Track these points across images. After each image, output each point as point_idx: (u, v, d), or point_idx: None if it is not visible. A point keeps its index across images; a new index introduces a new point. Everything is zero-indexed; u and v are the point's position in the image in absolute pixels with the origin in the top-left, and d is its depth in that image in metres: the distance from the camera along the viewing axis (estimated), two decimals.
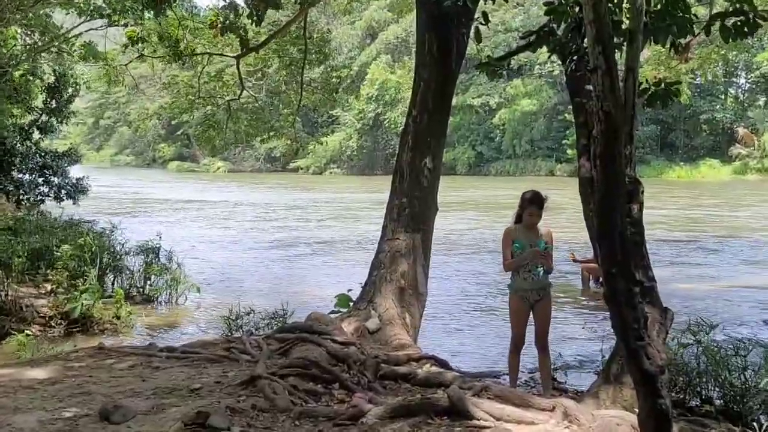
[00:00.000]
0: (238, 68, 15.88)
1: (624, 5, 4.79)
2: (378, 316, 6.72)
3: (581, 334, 8.78)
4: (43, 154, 19.64)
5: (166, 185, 48.70)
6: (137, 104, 70.57)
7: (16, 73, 18.01)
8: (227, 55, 16.47)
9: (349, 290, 7.80)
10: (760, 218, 23.77)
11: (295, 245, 18.20)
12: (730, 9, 4.83)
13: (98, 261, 10.24)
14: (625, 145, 3.35)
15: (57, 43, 17.32)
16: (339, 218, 25.34)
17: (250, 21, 10.41)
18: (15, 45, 17.88)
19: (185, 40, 14.82)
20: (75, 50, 17.72)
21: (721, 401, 5.42)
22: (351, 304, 7.28)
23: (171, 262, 11.23)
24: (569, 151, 52.24)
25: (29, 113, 19.99)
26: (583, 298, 11.49)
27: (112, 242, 11.69)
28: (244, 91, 17.10)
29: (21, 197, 19.01)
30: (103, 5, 14.89)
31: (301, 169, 66.48)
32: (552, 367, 6.49)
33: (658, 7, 4.64)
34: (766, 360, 5.45)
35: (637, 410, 3.54)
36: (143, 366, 5.44)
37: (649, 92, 4.64)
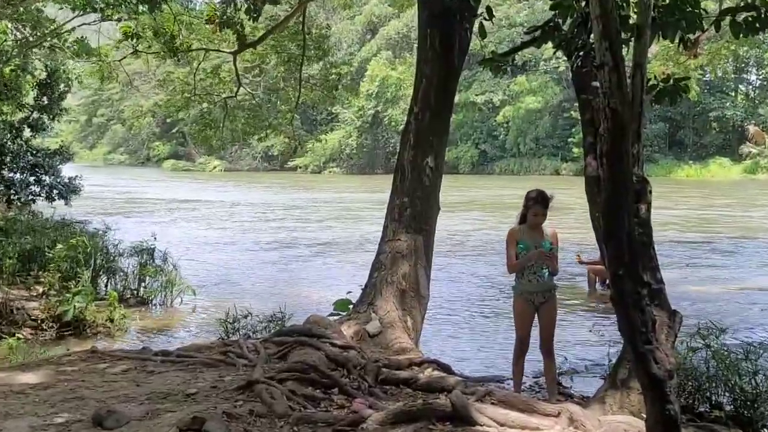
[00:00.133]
0: (234, 65, 15.89)
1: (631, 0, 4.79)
2: (378, 319, 6.72)
3: (587, 337, 8.77)
4: (34, 152, 19.66)
5: (161, 185, 48.72)
6: (131, 101, 70.57)
7: (7, 69, 18.01)
8: (224, 51, 16.48)
9: (349, 293, 7.80)
10: None
11: (295, 246, 18.20)
12: (741, 4, 4.82)
13: (92, 262, 10.24)
14: (632, 143, 3.35)
15: (49, 39, 17.31)
16: (339, 219, 25.35)
17: (247, 16, 10.42)
18: (5, 40, 17.89)
19: (181, 36, 14.81)
20: (68, 46, 17.71)
21: (732, 407, 5.42)
22: (350, 307, 7.28)
23: (166, 263, 11.23)
24: (575, 150, 52.21)
25: (20, 110, 19.99)
26: (590, 301, 11.48)
27: (106, 243, 11.68)
28: (242, 89, 17.11)
29: (12, 197, 19.01)
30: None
31: (300, 168, 66.50)
32: (557, 371, 6.49)
33: (667, 1, 4.63)
34: None
35: (644, 416, 3.55)
36: (137, 370, 5.44)
37: (657, 89, 4.62)
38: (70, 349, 7.22)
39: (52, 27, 17.37)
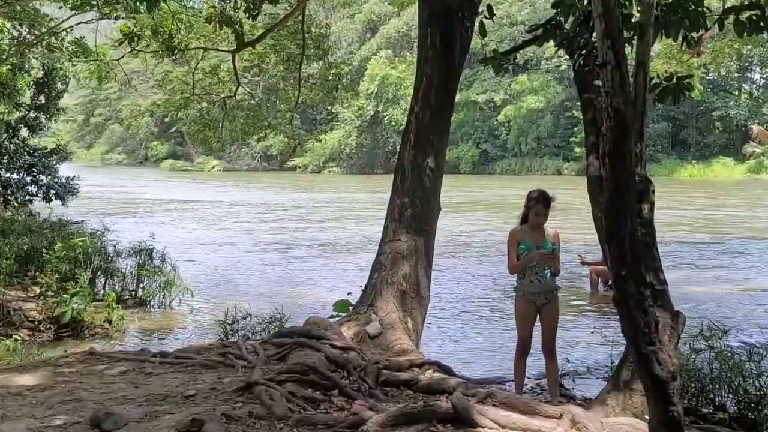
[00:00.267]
0: (233, 64, 15.88)
1: None
2: (379, 320, 6.72)
3: (590, 338, 8.78)
4: (31, 151, 19.66)
5: (160, 185, 48.74)
6: (129, 100, 70.63)
7: (3, 68, 18.01)
8: (222, 50, 16.47)
9: (349, 293, 7.81)
10: None
11: (295, 247, 18.20)
12: (745, 2, 4.83)
13: (90, 263, 10.24)
14: (635, 142, 3.35)
15: (47, 37, 17.30)
16: (340, 219, 25.34)
17: (246, 15, 10.42)
18: (2, 39, 17.89)
19: (179, 35, 14.81)
20: (66, 46, 17.71)
21: (735, 408, 5.42)
22: (350, 308, 7.28)
23: (164, 264, 11.23)
24: (577, 149, 52.27)
25: (17, 110, 19.98)
26: (592, 302, 11.48)
27: (104, 244, 11.69)
28: (241, 88, 17.10)
29: (8, 197, 19.02)
30: None
31: (299, 167, 66.52)
32: (559, 372, 6.49)
33: None
34: None
35: (647, 418, 3.55)
36: (135, 372, 5.44)
37: (660, 87, 4.63)
38: (67, 350, 7.22)
39: (50, 25, 17.37)
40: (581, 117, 5.99)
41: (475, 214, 25.74)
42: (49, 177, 19.98)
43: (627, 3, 4.77)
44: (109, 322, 9.19)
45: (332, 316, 7.25)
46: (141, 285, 11.09)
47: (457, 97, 9.96)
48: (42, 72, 19.38)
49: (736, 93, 56.85)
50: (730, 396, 5.48)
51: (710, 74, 51.75)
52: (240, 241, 19.44)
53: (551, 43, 5.32)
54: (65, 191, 20.26)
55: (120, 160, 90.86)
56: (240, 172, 68.17)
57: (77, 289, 9.22)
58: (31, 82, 19.59)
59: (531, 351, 6.09)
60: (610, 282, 10.83)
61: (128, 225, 20.60)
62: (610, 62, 3.04)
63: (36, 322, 8.94)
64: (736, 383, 5.39)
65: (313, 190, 41.92)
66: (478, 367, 7.78)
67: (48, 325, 8.91)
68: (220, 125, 17.92)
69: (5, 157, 18.82)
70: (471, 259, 15.95)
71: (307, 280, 13.74)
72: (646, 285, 3.18)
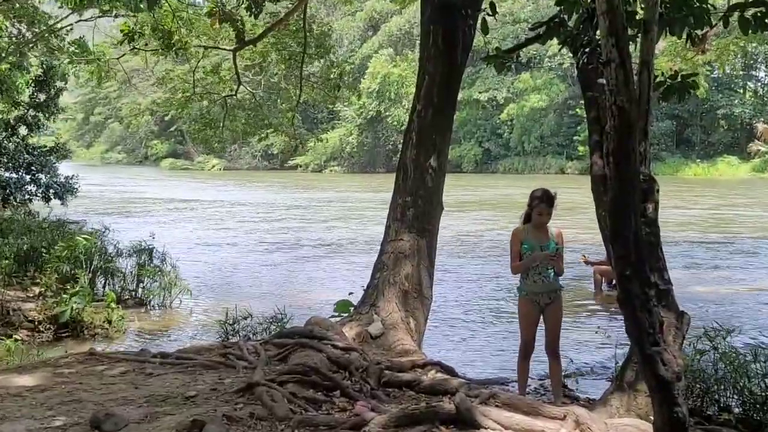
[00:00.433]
0: (234, 62, 15.89)
1: None
2: (381, 320, 6.72)
3: (593, 339, 8.77)
4: (30, 150, 19.68)
5: (160, 184, 48.79)
6: (129, 99, 70.77)
7: (2, 66, 18.03)
8: (223, 48, 16.48)
9: (350, 293, 7.81)
10: None
11: (297, 247, 18.19)
12: None
13: (90, 263, 10.25)
14: (639, 141, 3.35)
15: (46, 35, 17.31)
16: (344, 219, 25.33)
17: (247, 12, 10.42)
18: (1, 36, 17.91)
19: (180, 33, 14.81)
20: (67, 47, 17.71)
21: (740, 409, 5.42)
22: (352, 309, 7.28)
23: (164, 263, 11.24)
24: (580, 148, 52.25)
25: (15, 108, 20.01)
26: (596, 302, 11.47)
27: (104, 243, 11.70)
28: (242, 87, 17.10)
29: (8, 196, 19.05)
30: None
31: (300, 166, 66.54)
32: (563, 373, 6.48)
33: None
34: None
35: (652, 418, 3.55)
36: (136, 372, 5.44)
37: (665, 86, 4.63)
38: (67, 350, 7.23)
39: (49, 23, 17.38)
40: (585, 115, 5.98)
41: (481, 214, 25.73)
42: (49, 176, 20.01)
43: (631, 0, 4.77)
44: (109, 322, 9.20)
45: (333, 317, 7.25)
46: (141, 285, 11.10)
47: (460, 96, 9.96)
48: (41, 70, 19.40)
49: (741, 91, 56.78)
50: (735, 397, 5.47)
51: (715, 72, 51.67)
52: (241, 240, 19.45)
53: (554, 40, 5.32)
54: (64, 190, 20.30)
55: (120, 159, 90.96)
56: (240, 171, 68.21)
57: (77, 289, 9.23)
58: (30, 81, 19.61)
59: (534, 351, 6.09)
60: (614, 282, 10.87)
61: (128, 224, 20.60)
62: (614, 60, 3.04)
63: (35, 323, 8.95)
64: (741, 384, 5.38)
65: (315, 190, 41.92)
66: (481, 367, 7.78)
67: (47, 326, 8.92)
68: (221, 125, 17.93)
69: (4, 157, 18.84)
70: (478, 260, 15.92)
71: (309, 281, 13.74)
72: (651, 285, 3.18)
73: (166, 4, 13.84)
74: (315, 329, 6.16)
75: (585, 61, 5.20)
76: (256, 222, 24.80)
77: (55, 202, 20.21)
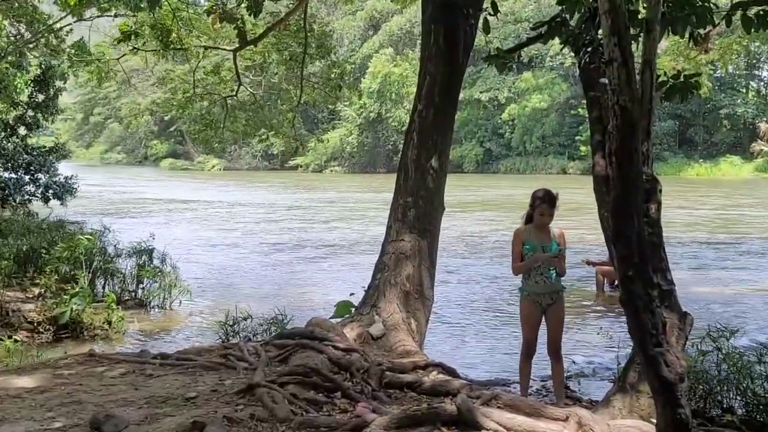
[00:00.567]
0: (234, 63, 15.88)
1: None
2: (382, 321, 6.72)
3: (596, 340, 8.76)
4: (29, 150, 19.70)
5: (160, 184, 48.80)
6: (128, 99, 70.71)
7: (1, 65, 18.05)
8: (224, 48, 16.48)
9: (351, 294, 7.81)
10: None
11: (299, 248, 18.17)
12: None
13: (90, 264, 10.25)
14: (641, 141, 3.35)
15: (46, 35, 17.32)
16: (345, 219, 25.31)
17: (247, 11, 10.41)
18: (0, 35, 17.93)
19: (180, 33, 14.82)
20: (67, 50, 17.72)
21: (744, 411, 5.41)
22: (352, 310, 7.27)
23: (164, 264, 11.24)
24: (582, 148, 52.26)
25: (14, 108, 20.02)
26: (599, 303, 11.47)
27: (104, 244, 11.70)
28: (242, 88, 17.10)
29: (7, 197, 19.06)
30: None
31: (300, 167, 66.57)
32: (565, 374, 6.48)
33: None
34: None
35: (654, 420, 3.55)
36: (136, 374, 5.44)
37: (667, 85, 4.63)
38: (67, 352, 7.23)
39: (48, 23, 17.39)
40: (587, 115, 5.98)
41: (484, 214, 25.70)
42: (48, 176, 20.02)
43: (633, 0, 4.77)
44: (109, 323, 9.20)
45: (334, 317, 7.25)
46: (141, 286, 11.10)
47: (461, 96, 9.95)
48: (40, 70, 19.41)
49: (744, 91, 56.79)
50: (739, 398, 5.46)
51: (718, 71, 51.68)
52: (242, 241, 19.45)
53: (556, 40, 5.32)
54: (64, 191, 20.31)
55: (119, 160, 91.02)
56: (240, 171, 68.21)
57: (77, 290, 9.23)
58: (29, 81, 19.62)
59: (536, 352, 6.09)
60: (616, 282, 10.85)
61: (128, 225, 20.57)
62: (617, 59, 3.04)
63: (35, 324, 8.95)
64: (744, 385, 5.37)
65: (316, 190, 41.93)
66: (483, 369, 7.77)
67: (47, 327, 8.92)
68: (222, 126, 17.93)
69: (3, 158, 18.86)
70: (482, 260, 15.89)
71: (309, 281, 13.74)
72: (654, 285, 3.18)
73: (167, 4, 13.84)
74: (316, 330, 6.16)
75: (587, 60, 5.20)
76: (257, 222, 24.79)
77: (54, 203, 20.22)
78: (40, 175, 20.02)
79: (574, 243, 13.81)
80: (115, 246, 11.73)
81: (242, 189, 43.85)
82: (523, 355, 6.07)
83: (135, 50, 15.48)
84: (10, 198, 19.34)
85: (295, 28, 15.62)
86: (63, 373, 5.43)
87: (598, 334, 8.84)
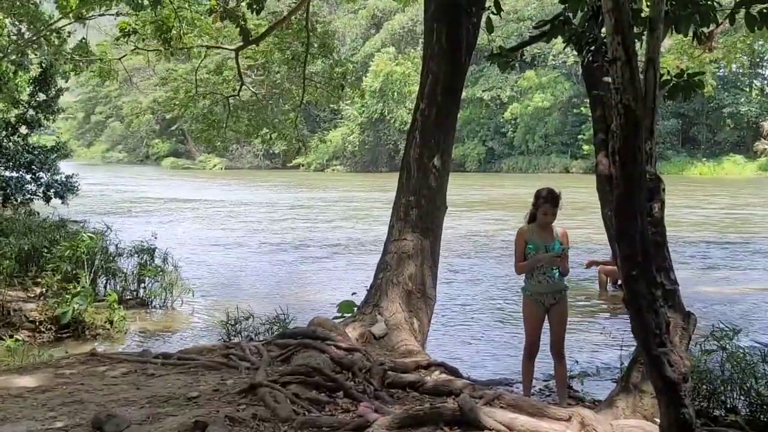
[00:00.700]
0: (237, 62, 15.88)
1: None
2: (384, 320, 6.72)
3: (599, 340, 8.76)
4: (30, 149, 19.71)
5: (162, 183, 48.83)
6: (130, 98, 70.84)
7: (3, 64, 18.06)
8: (226, 48, 16.48)
9: (354, 294, 7.81)
10: None
11: (302, 248, 18.17)
12: None
13: (92, 263, 10.26)
14: (645, 140, 3.34)
15: (47, 34, 17.32)
16: (349, 218, 25.28)
17: (249, 10, 10.43)
18: (1, 35, 17.93)
19: (181, 31, 14.81)
20: (70, 52, 17.72)
21: (748, 411, 5.40)
22: (355, 309, 7.28)
23: (166, 264, 11.24)
24: (585, 147, 52.25)
25: (15, 107, 20.03)
26: (601, 302, 11.46)
27: (106, 243, 11.70)
28: (245, 88, 17.11)
29: (8, 196, 19.09)
30: None
31: (302, 166, 66.57)
32: (568, 374, 6.48)
33: None
34: None
35: (658, 420, 3.54)
36: (137, 373, 5.45)
37: (671, 84, 4.62)
38: (68, 351, 7.25)
39: (49, 22, 17.39)
40: (590, 114, 5.99)
41: (490, 213, 25.63)
42: (49, 175, 20.03)
43: None
44: (111, 322, 9.21)
45: (336, 317, 7.26)
46: (143, 285, 11.10)
47: (463, 94, 9.94)
48: (40, 69, 19.42)
49: (747, 89, 56.68)
50: (743, 398, 5.46)
51: (721, 70, 51.61)
52: (244, 240, 19.44)
53: (559, 39, 5.31)
54: (65, 190, 20.32)
55: (121, 158, 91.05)
56: (242, 170, 68.21)
57: (78, 290, 9.23)
58: (30, 80, 19.63)
59: (539, 352, 6.09)
60: (619, 282, 10.85)
61: (129, 224, 20.60)
62: (620, 58, 3.04)
63: (36, 323, 8.96)
64: (748, 385, 5.37)
65: (319, 189, 41.91)
66: (486, 368, 7.77)
67: (48, 326, 8.92)
68: (224, 126, 17.92)
69: (5, 157, 18.88)
70: (488, 260, 15.84)
71: (312, 281, 13.75)
72: (657, 285, 3.17)
73: (168, 3, 13.84)
74: (318, 330, 6.17)
75: (590, 59, 5.19)
76: (259, 222, 24.79)
77: (55, 202, 20.23)
78: (41, 174, 20.04)
79: (580, 243, 13.80)
80: (116, 245, 11.73)
81: (244, 188, 43.85)
82: (525, 354, 6.07)
83: (136, 50, 15.47)
84: (12, 197, 19.37)
85: (297, 27, 15.62)
86: (65, 372, 5.44)
87: (601, 333, 8.85)
